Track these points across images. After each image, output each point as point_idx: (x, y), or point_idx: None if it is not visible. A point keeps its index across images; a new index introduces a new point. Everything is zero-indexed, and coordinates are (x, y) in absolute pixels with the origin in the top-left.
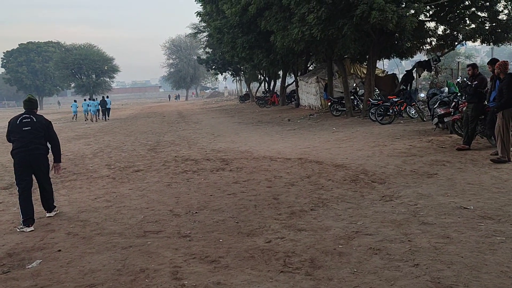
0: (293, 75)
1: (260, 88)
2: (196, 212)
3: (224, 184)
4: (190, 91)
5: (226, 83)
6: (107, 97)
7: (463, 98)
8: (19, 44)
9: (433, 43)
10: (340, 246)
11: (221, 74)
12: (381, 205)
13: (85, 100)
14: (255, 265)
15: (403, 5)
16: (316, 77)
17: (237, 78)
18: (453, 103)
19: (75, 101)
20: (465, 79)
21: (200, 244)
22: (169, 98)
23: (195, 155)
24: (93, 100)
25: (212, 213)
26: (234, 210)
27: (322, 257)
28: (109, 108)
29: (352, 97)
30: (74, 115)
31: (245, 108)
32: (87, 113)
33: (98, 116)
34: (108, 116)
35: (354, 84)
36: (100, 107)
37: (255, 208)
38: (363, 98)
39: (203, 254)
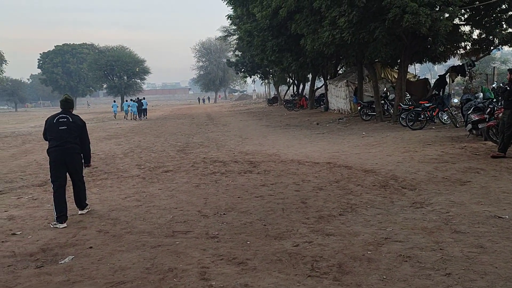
0: (322, 79)
1: (288, 91)
2: (224, 214)
3: (251, 187)
4: (218, 94)
5: (255, 86)
6: (144, 98)
7: (499, 104)
8: (55, 46)
9: (468, 47)
10: (369, 252)
11: (250, 77)
12: (411, 212)
13: (126, 101)
14: (283, 269)
15: (437, 9)
16: (346, 80)
17: (266, 81)
18: (488, 109)
19: (114, 101)
20: (501, 84)
21: (227, 246)
22: (199, 101)
23: (223, 157)
24: (134, 101)
25: (240, 215)
26: (262, 213)
27: (351, 263)
28: (146, 109)
29: (383, 101)
30: (114, 114)
31: (273, 111)
32: (127, 113)
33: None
34: (146, 115)
35: (385, 89)
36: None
37: (283, 212)
38: (393, 102)
39: (230, 256)
